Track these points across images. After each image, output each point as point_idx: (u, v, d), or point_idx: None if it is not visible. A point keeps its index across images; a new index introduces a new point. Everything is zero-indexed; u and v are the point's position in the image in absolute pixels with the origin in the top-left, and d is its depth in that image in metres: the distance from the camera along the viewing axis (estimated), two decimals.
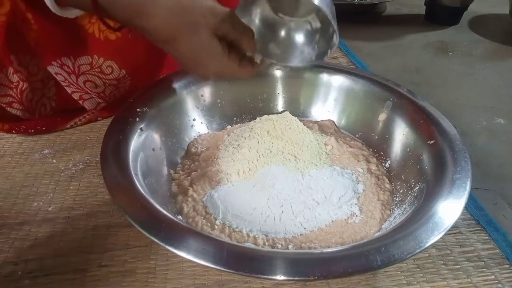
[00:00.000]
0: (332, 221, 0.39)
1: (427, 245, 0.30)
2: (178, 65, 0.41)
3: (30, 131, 0.54)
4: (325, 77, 0.54)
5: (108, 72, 0.52)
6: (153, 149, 0.44)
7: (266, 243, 0.37)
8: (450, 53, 0.80)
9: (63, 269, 0.37)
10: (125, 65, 0.52)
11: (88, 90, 0.53)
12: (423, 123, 0.44)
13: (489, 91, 0.67)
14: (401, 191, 0.42)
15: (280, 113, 0.50)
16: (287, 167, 0.44)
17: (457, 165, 0.37)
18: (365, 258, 0.29)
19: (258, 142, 0.46)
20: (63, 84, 0.51)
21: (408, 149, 0.44)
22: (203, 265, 0.28)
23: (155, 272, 0.37)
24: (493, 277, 0.36)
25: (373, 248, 0.29)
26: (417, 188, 0.40)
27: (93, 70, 0.51)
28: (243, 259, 0.29)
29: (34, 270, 0.37)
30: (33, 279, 0.36)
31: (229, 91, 0.54)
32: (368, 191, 0.43)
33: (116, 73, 0.52)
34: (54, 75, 0.49)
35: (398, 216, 0.39)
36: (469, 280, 0.36)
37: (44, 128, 0.54)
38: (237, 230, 0.38)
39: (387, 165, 0.47)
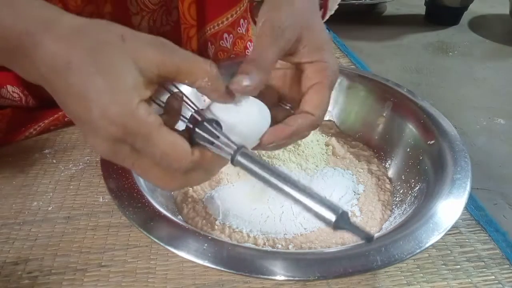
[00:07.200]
0: None
1: (427, 245, 0.30)
2: None
3: None
4: None
5: None
6: None
7: (266, 244, 0.37)
8: (450, 53, 0.80)
9: (63, 269, 0.37)
10: None
11: None
12: (423, 123, 0.44)
13: (489, 91, 0.67)
14: (401, 191, 0.42)
15: None
16: (287, 168, 0.44)
17: (457, 165, 0.37)
18: (365, 258, 0.29)
19: None
20: None
21: (408, 149, 0.44)
22: (203, 265, 0.28)
23: (155, 272, 0.37)
24: (493, 277, 0.36)
25: (373, 248, 0.29)
26: (417, 188, 0.40)
27: None
28: (243, 259, 0.29)
29: (34, 270, 0.37)
30: (33, 279, 0.36)
31: None
32: (368, 191, 0.43)
33: None
34: None
35: (398, 216, 0.39)
36: (469, 280, 0.36)
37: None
38: (237, 230, 0.38)
39: (387, 165, 0.47)
